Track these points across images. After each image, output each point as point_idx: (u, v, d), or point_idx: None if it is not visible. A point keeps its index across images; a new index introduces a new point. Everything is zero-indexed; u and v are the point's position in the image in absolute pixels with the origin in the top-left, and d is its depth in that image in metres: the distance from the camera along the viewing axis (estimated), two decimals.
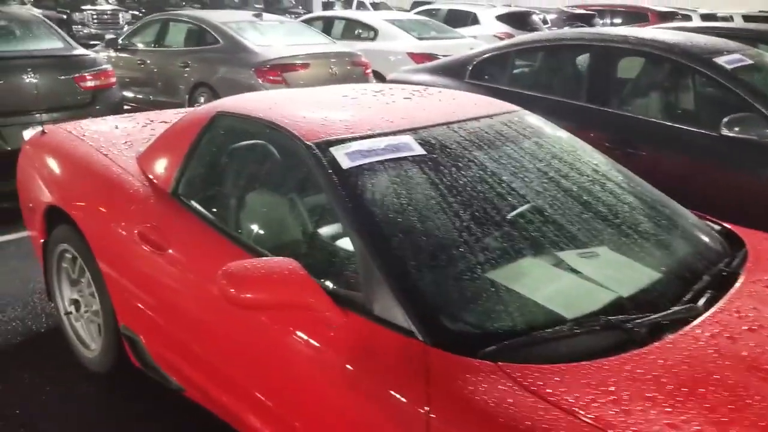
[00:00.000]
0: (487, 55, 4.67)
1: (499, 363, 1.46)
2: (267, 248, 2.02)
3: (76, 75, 5.25)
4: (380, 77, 7.96)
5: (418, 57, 7.95)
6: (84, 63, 5.34)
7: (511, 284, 1.70)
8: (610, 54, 4.10)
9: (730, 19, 15.66)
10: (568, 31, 4.57)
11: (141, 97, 7.46)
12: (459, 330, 1.58)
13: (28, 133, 4.98)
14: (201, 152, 2.36)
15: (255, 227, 2.18)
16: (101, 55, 6.68)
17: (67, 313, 2.93)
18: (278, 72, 6.31)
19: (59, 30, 5.67)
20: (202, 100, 6.85)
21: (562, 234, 1.91)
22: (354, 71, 6.96)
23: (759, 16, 16.58)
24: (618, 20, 13.15)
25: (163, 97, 7.25)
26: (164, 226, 2.23)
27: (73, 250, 2.71)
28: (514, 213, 1.95)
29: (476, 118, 2.33)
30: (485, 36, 9.77)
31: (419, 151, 2.04)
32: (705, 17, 14.86)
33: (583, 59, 4.32)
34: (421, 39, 8.44)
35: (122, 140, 2.90)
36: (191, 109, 3.65)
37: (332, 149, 1.98)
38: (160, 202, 2.32)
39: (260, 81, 6.30)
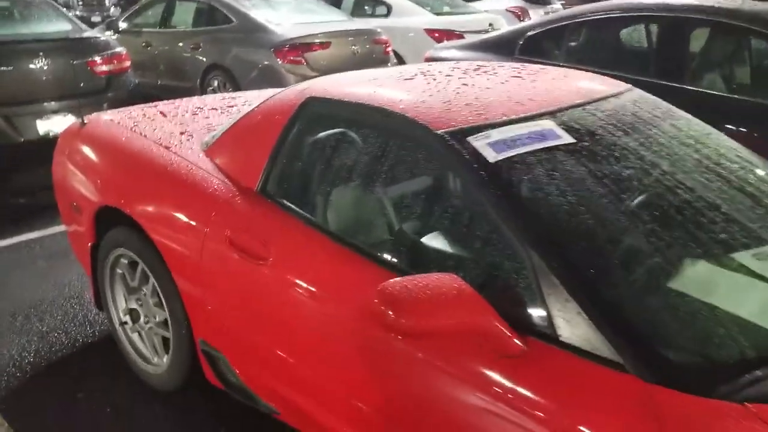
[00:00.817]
0: (540, 29, 4.37)
1: (746, 404, 1.19)
2: (391, 255, 1.74)
3: (89, 59, 4.89)
4: (397, 57, 7.63)
5: (435, 33, 7.63)
6: (97, 46, 4.97)
7: (714, 299, 1.44)
8: (682, 25, 3.82)
9: None
10: (633, 0, 4.26)
11: (147, 81, 7.05)
12: (682, 362, 1.30)
13: (42, 123, 4.63)
14: (292, 143, 2.06)
15: (369, 231, 1.89)
16: None
17: (122, 324, 2.63)
18: (299, 52, 5.96)
19: (66, 11, 5.26)
20: (215, 83, 6.49)
21: (742, 232, 1.65)
22: (374, 50, 6.62)
23: None
24: None
25: (172, 81, 6.86)
26: (260, 230, 1.93)
27: (133, 255, 2.40)
28: (689, 210, 1.68)
29: (604, 98, 2.05)
30: (498, 11, 9.43)
31: (567, 138, 1.76)
32: None
33: (650, 31, 4.05)
34: (437, 14, 8.10)
35: (178, 130, 2.58)
36: (250, 93, 3.33)
37: (471, 140, 1.70)
38: (249, 202, 2.02)
39: (280, 62, 5.94)
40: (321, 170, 2.03)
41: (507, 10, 9.92)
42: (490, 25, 8.07)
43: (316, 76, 6.16)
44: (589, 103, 1.99)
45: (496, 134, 1.74)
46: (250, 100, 3.13)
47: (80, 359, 2.74)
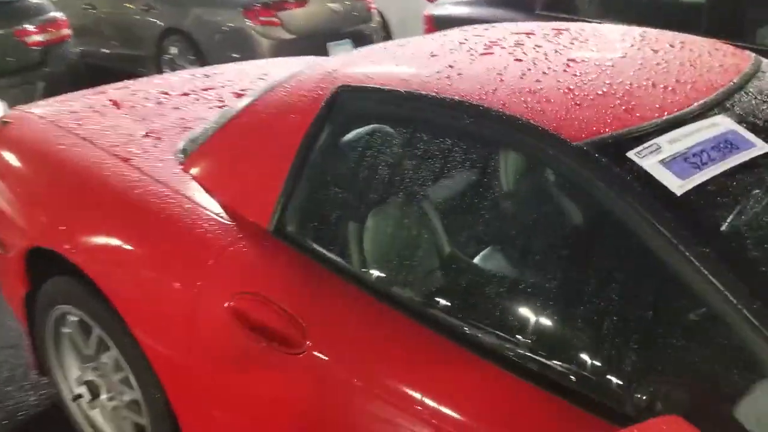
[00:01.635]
0: None
1: None
2: (515, 346, 1.08)
3: (18, 28, 3.99)
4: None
5: None
6: (27, 11, 4.08)
7: None
8: None
9: None
10: None
11: (91, 49, 6.10)
12: None
13: None
14: (321, 157, 1.36)
15: (469, 299, 1.22)
16: None
17: (76, 398, 1.93)
18: (272, 11, 5.13)
19: None
20: (174, 50, 5.60)
21: None
22: (356, 7, 5.81)
23: None
24: None
25: (121, 49, 5.93)
26: (284, 298, 1.24)
27: (84, 315, 1.69)
28: None
29: (753, 74, 1.43)
30: None
31: (762, 145, 1.14)
32: None
33: None
34: None
35: (140, 130, 1.84)
36: (228, 67, 2.54)
37: (633, 156, 1.05)
38: (260, 250, 1.33)
39: (250, 23, 5.10)
40: (370, 200, 1.34)
41: None
42: None
43: (293, 39, 5.45)
44: (745, 82, 1.36)
45: (667, 145, 1.09)
46: (231, 77, 2.40)
47: None
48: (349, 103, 1.35)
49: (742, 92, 1.32)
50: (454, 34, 1.73)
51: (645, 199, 0.99)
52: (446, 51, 1.49)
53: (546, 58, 1.38)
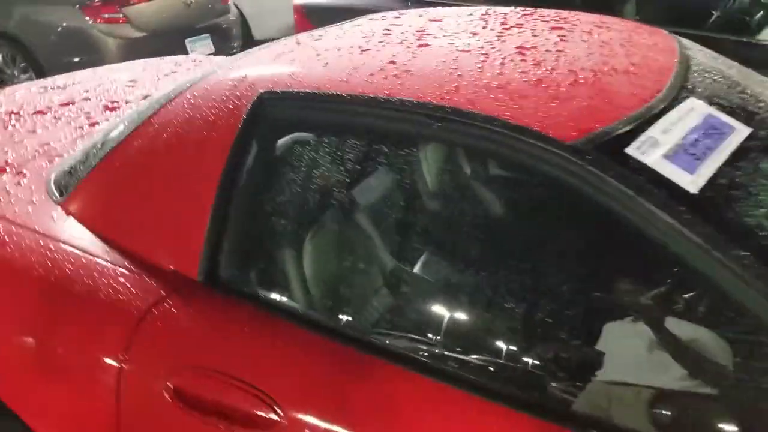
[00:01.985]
0: None
1: None
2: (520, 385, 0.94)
3: None
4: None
5: None
6: None
7: None
8: None
9: None
10: None
11: None
12: None
13: None
14: (255, 182, 1.11)
15: (456, 333, 1.05)
16: None
17: None
18: (116, 7, 4.58)
19: None
20: None
21: None
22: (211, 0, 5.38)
23: None
24: None
25: None
26: (237, 363, 1.00)
27: None
28: None
29: (688, 51, 1.41)
30: None
31: (741, 128, 1.09)
32: None
33: None
34: None
35: None
36: (82, 74, 2.16)
37: (634, 151, 0.94)
38: (193, 306, 1.06)
39: (91, 22, 4.52)
40: (321, 225, 1.12)
41: None
42: None
43: (144, 37, 4.92)
44: (686, 61, 1.32)
45: (662, 136, 1.00)
46: (90, 87, 2.05)
47: None
48: (277, 111, 1.12)
49: (692, 72, 1.27)
50: (369, 24, 1.53)
51: (663, 201, 0.88)
52: (376, 44, 1.29)
53: (493, 48, 1.24)
